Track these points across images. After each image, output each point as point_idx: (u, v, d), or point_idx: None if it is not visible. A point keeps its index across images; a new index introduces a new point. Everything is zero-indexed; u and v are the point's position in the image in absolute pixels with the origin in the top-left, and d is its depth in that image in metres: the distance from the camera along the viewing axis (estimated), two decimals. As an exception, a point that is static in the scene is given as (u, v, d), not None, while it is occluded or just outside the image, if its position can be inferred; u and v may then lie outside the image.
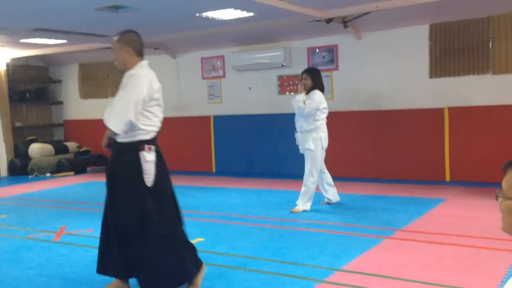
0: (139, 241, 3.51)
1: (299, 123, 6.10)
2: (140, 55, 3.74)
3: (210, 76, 9.98)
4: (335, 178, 8.53)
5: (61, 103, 12.13)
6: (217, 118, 9.95)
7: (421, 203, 6.33)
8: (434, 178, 7.91)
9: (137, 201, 3.53)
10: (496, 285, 3.55)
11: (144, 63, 3.71)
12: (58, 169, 10.67)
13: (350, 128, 8.58)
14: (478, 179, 7.56)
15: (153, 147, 3.61)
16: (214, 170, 10.06)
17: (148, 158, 3.56)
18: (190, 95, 10.28)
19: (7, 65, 10.91)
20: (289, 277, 3.90)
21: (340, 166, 8.72)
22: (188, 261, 3.64)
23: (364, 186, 7.69)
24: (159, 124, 3.71)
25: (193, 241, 4.97)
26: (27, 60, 11.54)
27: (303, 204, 6.13)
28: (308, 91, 6.08)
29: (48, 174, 10.51)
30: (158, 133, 3.72)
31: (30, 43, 9.07)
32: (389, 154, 8.26)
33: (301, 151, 6.21)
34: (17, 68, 11.42)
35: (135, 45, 3.69)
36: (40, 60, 11.83)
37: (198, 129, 10.15)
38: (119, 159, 3.61)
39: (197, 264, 3.71)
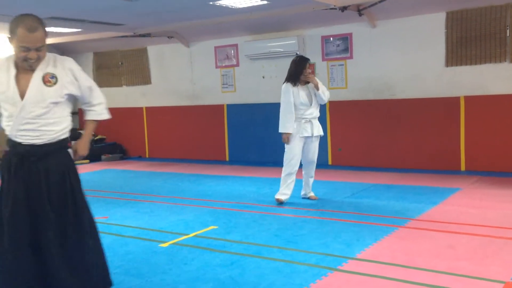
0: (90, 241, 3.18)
1: (312, 110, 6.00)
2: None
3: (223, 64, 9.97)
4: (349, 167, 8.55)
5: (76, 91, 12.22)
6: (230, 106, 9.95)
7: (435, 193, 6.29)
8: (449, 168, 7.84)
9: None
10: (511, 274, 3.53)
11: None
12: (73, 157, 10.76)
13: (365, 117, 8.53)
14: (494, 169, 7.49)
15: (72, 142, 3.27)
16: (227, 158, 10.09)
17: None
18: (203, 83, 10.28)
19: (23, 54, 11.00)
20: (302, 265, 3.91)
21: (353, 155, 8.70)
22: None
23: (378, 175, 7.66)
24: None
25: (206, 229, 5.05)
26: (42, 49, 11.62)
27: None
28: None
29: (63, 162, 10.61)
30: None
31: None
32: (404, 143, 8.21)
33: (307, 140, 6.09)
34: (32, 57, 11.51)
35: None
36: (55, 49, 11.88)
37: (212, 117, 10.16)
38: (48, 162, 3.03)
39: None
